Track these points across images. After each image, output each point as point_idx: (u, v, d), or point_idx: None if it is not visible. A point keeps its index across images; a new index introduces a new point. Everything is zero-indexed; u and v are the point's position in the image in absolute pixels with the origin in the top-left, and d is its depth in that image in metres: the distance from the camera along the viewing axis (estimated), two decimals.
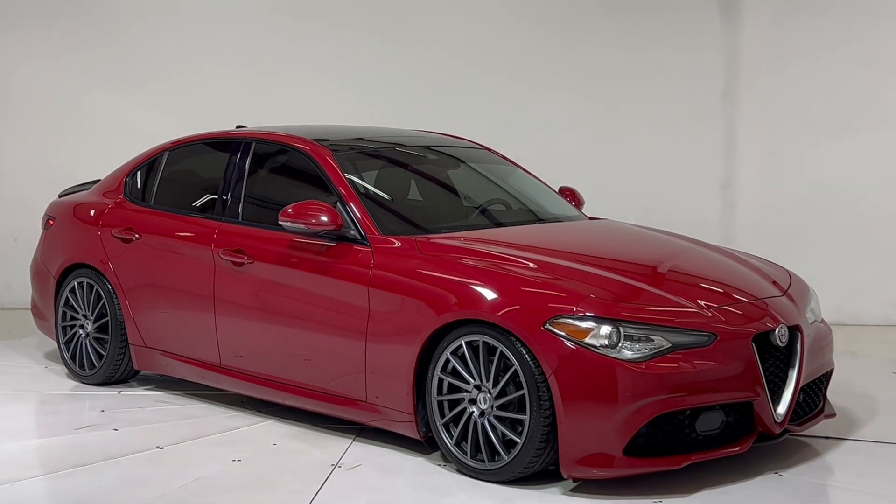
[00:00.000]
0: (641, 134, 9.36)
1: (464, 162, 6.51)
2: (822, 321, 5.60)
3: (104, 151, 9.02)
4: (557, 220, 6.20)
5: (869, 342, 8.31)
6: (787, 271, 5.73)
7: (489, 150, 6.82)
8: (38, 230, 7.29)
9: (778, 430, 4.92)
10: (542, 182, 6.69)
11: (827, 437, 5.55)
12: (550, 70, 9.43)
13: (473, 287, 4.94)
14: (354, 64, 9.52)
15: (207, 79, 9.57)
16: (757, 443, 4.90)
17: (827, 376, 5.52)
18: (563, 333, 4.63)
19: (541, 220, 6.18)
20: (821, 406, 5.44)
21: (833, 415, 5.49)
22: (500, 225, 5.97)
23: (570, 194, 6.72)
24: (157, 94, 9.63)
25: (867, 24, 8.98)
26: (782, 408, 4.93)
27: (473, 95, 9.37)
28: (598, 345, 4.60)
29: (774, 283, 5.42)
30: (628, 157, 9.34)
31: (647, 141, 9.35)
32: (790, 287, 5.45)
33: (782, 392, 4.97)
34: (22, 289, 8.55)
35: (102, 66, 9.68)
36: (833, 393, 5.70)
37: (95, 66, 9.69)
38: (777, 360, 4.96)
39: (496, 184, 6.47)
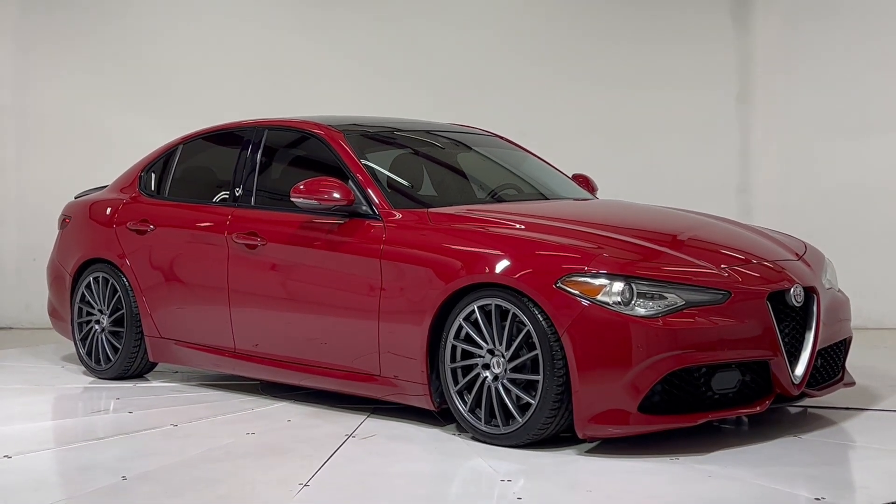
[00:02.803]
0: (656, 140, 9.38)
1: (475, 147, 6.52)
2: (840, 290, 5.55)
3: (121, 169, 9.06)
4: None
5: (890, 343, 8.19)
6: (803, 242, 5.70)
7: (500, 137, 6.83)
8: None
9: (796, 392, 4.85)
10: (555, 168, 6.69)
11: (847, 408, 5.48)
12: (564, 77, 9.48)
13: (485, 252, 4.93)
14: (367, 71, 9.60)
15: (222, 91, 9.63)
16: (775, 404, 4.84)
17: (846, 345, 5.45)
18: (575, 291, 4.61)
19: None
20: (840, 375, 5.38)
21: (852, 383, 5.43)
22: None
23: (583, 181, 6.72)
24: (174, 110, 9.68)
25: (880, 25, 9.00)
26: (800, 369, 4.87)
27: (487, 103, 9.39)
28: (610, 302, 4.58)
29: (790, 250, 5.40)
30: (643, 163, 9.35)
31: (662, 147, 9.37)
32: (805, 254, 5.42)
33: (800, 354, 4.91)
34: (40, 308, 8.54)
35: (120, 84, 9.76)
36: (853, 372, 5.61)
37: (114, 83, 9.77)
38: (794, 321, 4.91)
39: (508, 169, 6.47)
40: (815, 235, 8.67)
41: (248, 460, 4.70)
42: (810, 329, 4.96)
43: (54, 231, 7.46)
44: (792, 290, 4.88)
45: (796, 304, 4.88)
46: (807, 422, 5.25)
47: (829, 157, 9.09)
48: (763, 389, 4.81)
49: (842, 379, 5.36)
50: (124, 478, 4.39)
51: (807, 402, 5.30)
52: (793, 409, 5.47)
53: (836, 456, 4.68)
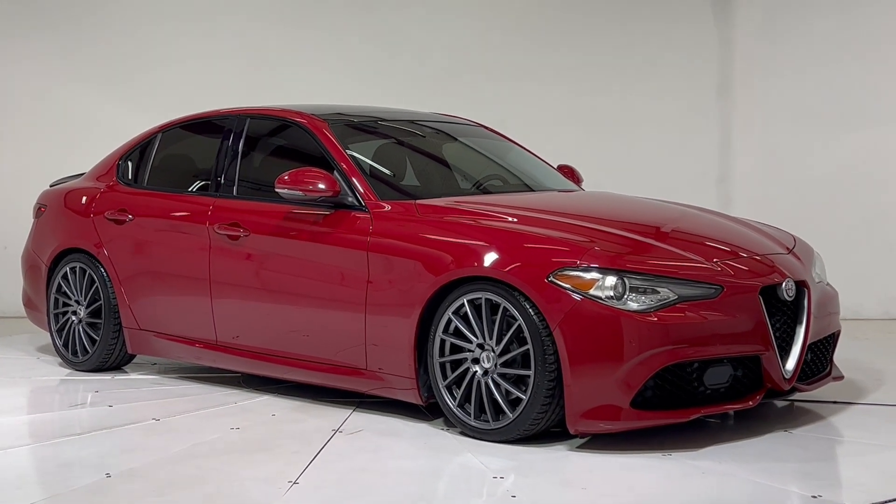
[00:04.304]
0: (637, 130, 9.34)
1: (460, 137, 6.44)
2: (828, 284, 5.53)
3: (96, 158, 8.92)
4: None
5: (870, 335, 8.20)
6: (792, 235, 5.67)
7: (485, 127, 6.76)
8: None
9: (787, 387, 4.83)
10: (540, 158, 6.63)
11: (835, 402, 5.47)
12: (545, 67, 9.42)
13: (475, 245, 4.86)
14: (347, 63, 9.49)
15: (200, 80, 9.50)
16: (766, 399, 4.81)
17: (834, 339, 5.43)
18: (567, 286, 4.55)
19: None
20: (828, 369, 5.36)
21: (841, 377, 5.42)
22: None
23: (568, 172, 6.66)
24: (151, 98, 9.52)
25: (860, 19, 8.99)
26: (791, 364, 4.84)
27: (468, 93, 9.32)
28: (603, 296, 4.52)
29: (780, 243, 5.36)
30: (624, 154, 9.31)
31: (643, 137, 9.33)
32: (795, 247, 5.40)
33: (790, 348, 4.88)
34: (11, 297, 8.42)
35: (93, 72, 9.60)
36: (840, 366, 5.60)
37: (86, 71, 9.61)
38: (785, 315, 4.88)
39: (493, 160, 6.40)
40: (793, 226, 8.65)
41: (235, 456, 4.62)
42: (801, 323, 4.94)
43: (28, 219, 7.32)
44: (784, 284, 4.85)
45: (788, 299, 4.85)
46: (795, 416, 5.23)
47: (807, 148, 9.08)
48: (754, 384, 4.78)
49: (830, 373, 5.34)
50: (108, 475, 4.30)
51: (794, 395, 5.27)
52: (780, 404, 5.46)
53: (827, 451, 4.66)
